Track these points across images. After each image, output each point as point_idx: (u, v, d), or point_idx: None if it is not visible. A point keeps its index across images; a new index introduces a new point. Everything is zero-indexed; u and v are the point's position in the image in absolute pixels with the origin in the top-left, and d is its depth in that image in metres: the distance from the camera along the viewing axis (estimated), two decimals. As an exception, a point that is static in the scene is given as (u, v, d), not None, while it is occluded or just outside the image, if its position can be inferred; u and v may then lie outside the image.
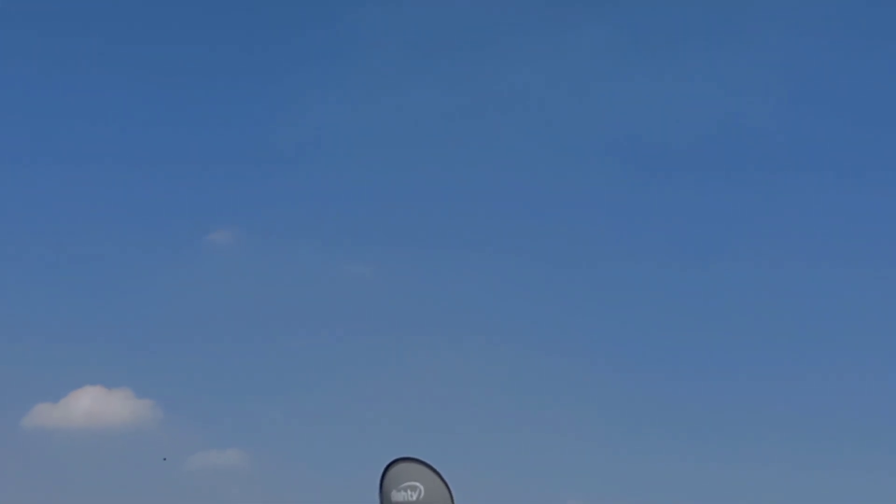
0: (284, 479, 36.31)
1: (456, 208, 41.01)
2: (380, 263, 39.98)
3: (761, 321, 37.33)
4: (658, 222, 39.90)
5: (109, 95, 43.15)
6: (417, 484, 14.73)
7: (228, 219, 41.76)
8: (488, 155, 42.20)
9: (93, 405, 37.51)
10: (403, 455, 15.09)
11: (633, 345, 38.25)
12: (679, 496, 31.62)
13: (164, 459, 34.38)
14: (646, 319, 38.45)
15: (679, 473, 33.29)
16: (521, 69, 42.35)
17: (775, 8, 41.96)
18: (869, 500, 29.90)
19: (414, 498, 14.63)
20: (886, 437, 32.23)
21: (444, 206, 41.21)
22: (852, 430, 33.16)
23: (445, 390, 36.46)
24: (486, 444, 34.82)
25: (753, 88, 41.02)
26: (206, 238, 41.67)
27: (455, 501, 14.80)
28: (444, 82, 43.46)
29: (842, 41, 41.05)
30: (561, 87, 42.30)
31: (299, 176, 42.10)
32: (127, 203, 42.01)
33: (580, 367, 37.37)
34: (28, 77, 42.86)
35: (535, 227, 40.80)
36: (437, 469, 14.89)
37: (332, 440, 35.34)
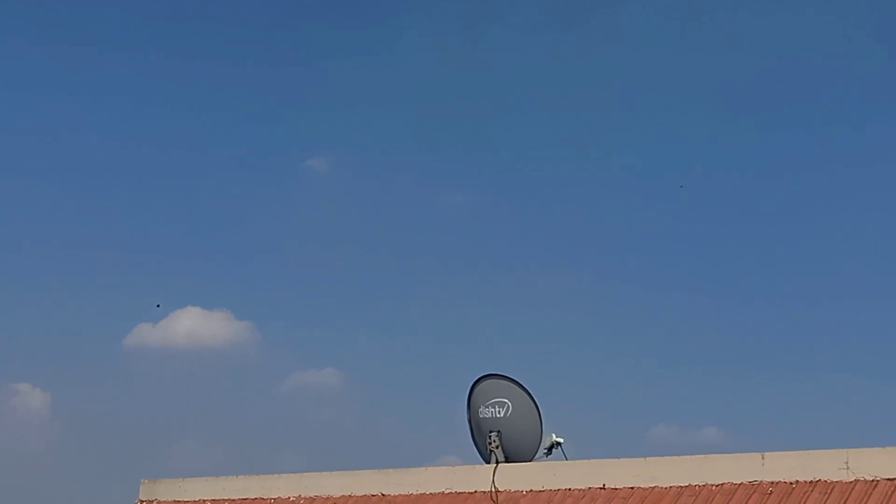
0: (378, 396, 37.05)
1: (548, 142, 40.83)
2: (473, 192, 40.18)
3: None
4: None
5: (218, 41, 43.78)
6: (505, 400, 14.71)
7: (326, 146, 42.26)
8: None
9: (193, 326, 38.53)
10: (492, 372, 15.11)
11: (729, 277, 37.92)
12: (770, 424, 31.44)
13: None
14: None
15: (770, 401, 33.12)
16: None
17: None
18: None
19: (502, 414, 14.61)
20: None
21: (537, 141, 41.09)
22: None
23: (536, 313, 36.68)
24: (576, 365, 35.06)
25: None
26: (304, 164, 42.20)
27: (543, 419, 14.77)
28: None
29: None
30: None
31: (395, 107, 42.32)
32: (229, 132, 42.73)
33: (674, 297, 37.23)
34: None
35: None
36: (526, 386, 14.85)
37: (425, 359, 35.93)
